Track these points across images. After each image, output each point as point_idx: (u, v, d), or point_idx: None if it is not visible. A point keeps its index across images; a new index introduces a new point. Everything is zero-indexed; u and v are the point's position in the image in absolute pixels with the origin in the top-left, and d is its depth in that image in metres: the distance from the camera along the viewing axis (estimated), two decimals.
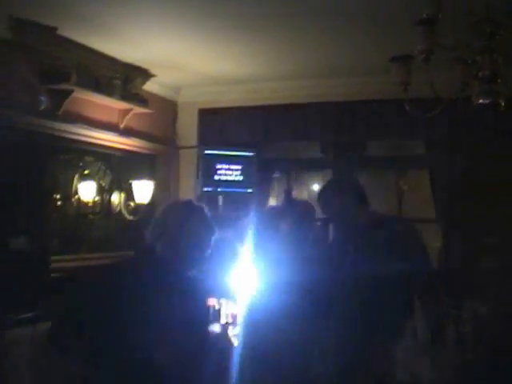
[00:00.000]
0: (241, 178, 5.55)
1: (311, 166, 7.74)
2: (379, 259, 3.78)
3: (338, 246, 4.13)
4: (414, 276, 3.81)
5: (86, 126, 5.90)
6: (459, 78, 3.76)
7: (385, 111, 6.37)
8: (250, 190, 5.49)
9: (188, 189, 6.93)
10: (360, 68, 6.20)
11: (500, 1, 3.47)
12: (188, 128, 7.42)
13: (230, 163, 5.51)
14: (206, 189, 5.38)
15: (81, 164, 5.91)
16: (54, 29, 5.23)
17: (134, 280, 2.64)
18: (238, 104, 7.16)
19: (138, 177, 6.48)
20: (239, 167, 5.55)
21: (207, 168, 5.44)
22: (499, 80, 3.57)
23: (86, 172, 5.92)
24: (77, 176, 5.84)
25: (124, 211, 6.40)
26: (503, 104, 3.59)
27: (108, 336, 2.54)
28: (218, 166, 5.47)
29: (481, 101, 3.58)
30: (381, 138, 6.64)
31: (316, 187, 7.92)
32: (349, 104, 6.65)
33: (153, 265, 2.72)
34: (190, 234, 2.73)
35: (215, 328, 3.92)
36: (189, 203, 2.99)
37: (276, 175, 7.66)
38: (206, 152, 5.45)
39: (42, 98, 5.41)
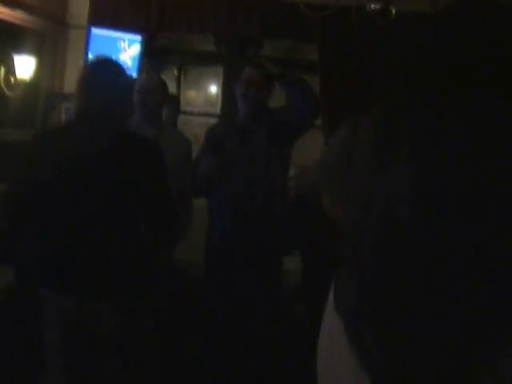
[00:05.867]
0: (127, 61, 5.36)
1: (204, 60, 7.62)
2: None
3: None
4: None
5: None
6: None
7: (282, 11, 6.25)
8: (135, 76, 5.33)
9: (76, 72, 6.68)
10: None
11: None
12: (80, 7, 7.06)
13: (116, 45, 5.29)
14: None
15: None
16: None
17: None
18: None
19: (21, 52, 6.18)
20: (126, 51, 5.36)
21: (93, 48, 5.23)
22: None
23: None
24: None
25: (3, 86, 6.12)
26: (394, 11, 3.62)
27: None
28: (104, 47, 5.25)
29: (372, 6, 3.60)
30: (276, 36, 6.54)
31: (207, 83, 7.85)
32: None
33: None
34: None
35: None
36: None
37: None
38: (93, 31, 5.23)
39: None
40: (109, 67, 2.95)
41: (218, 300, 4.12)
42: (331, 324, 0.82)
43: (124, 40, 5.32)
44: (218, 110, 7.36)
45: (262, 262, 4.00)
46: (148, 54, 6.12)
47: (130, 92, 2.95)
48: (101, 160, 2.71)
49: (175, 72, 7.74)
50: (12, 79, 6.15)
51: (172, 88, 7.66)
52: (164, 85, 4.36)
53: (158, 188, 2.85)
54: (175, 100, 5.62)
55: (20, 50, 6.21)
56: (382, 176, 0.74)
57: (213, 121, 7.54)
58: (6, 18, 6.07)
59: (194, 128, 7.77)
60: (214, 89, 7.81)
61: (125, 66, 5.47)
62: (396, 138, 0.73)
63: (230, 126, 4.19)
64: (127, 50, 5.37)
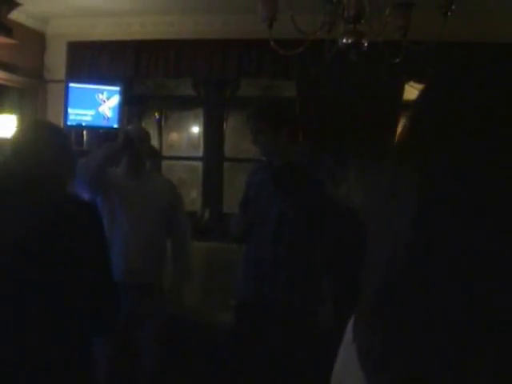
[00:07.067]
0: (106, 113, 5.41)
1: (183, 104, 7.66)
2: None
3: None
4: None
5: None
6: (326, 17, 3.80)
7: (257, 49, 6.32)
8: (115, 126, 5.38)
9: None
10: (233, 5, 6.12)
11: None
12: (57, 61, 7.11)
13: (95, 98, 5.35)
14: (70, 123, 5.23)
15: None
16: None
17: None
18: (109, 38, 6.91)
19: (1, 110, 6.20)
20: (105, 103, 5.41)
21: (72, 102, 5.27)
22: (363, 21, 3.63)
23: None
24: None
25: None
26: (366, 44, 3.66)
27: None
28: (83, 101, 5.30)
29: (344, 40, 3.64)
30: (252, 76, 6.61)
31: (188, 126, 7.88)
32: (221, 41, 6.56)
33: None
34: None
35: None
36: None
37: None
38: (71, 86, 5.28)
39: None
40: (39, 130, 2.76)
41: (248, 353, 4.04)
42: (346, 356, 0.83)
43: (102, 92, 5.37)
44: (200, 152, 7.39)
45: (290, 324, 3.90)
46: (127, 103, 6.17)
47: (67, 154, 2.74)
48: (32, 231, 2.43)
49: (156, 117, 7.77)
50: None
51: (154, 133, 7.69)
52: (149, 134, 4.39)
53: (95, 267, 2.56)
54: (156, 152, 5.66)
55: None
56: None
57: (196, 164, 7.57)
58: None
59: (178, 172, 7.78)
60: (195, 132, 7.85)
61: (105, 118, 5.57)
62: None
63: (265, 175, 4.02)
64: (106, 101, 5.42)
